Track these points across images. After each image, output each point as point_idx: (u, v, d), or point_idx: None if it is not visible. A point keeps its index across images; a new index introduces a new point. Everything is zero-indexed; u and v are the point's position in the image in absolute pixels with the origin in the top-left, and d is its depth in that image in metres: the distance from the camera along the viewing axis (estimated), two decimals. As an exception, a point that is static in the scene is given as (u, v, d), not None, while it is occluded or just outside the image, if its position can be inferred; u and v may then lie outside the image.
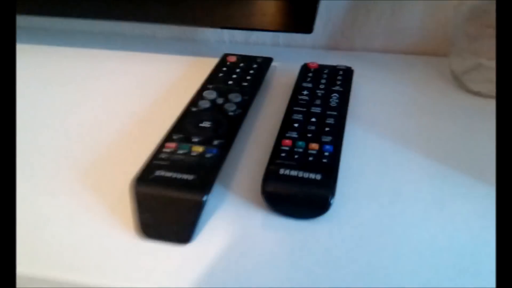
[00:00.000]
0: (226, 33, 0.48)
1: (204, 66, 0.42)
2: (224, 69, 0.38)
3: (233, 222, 0.26)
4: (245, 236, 0.25)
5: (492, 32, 0.34)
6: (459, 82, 0.39)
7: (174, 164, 0.26)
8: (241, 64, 0.38)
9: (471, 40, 0.37)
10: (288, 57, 0.44)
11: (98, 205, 0.27)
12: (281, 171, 0.27)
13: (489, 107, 0.37)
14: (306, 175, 0.26)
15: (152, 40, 0.50)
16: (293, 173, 0.26)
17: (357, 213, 0.27)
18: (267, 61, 0.39)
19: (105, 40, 0.49)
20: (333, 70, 0.37)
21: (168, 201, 0.25)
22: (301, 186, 0.26)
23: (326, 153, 0.28)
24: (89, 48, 0.47)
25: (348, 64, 0.39)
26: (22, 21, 0.51)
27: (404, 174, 0.30)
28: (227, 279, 0.23)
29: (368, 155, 0.31)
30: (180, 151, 0.27)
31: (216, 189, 0.28)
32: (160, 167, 0.26)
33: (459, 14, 0.38)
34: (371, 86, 0.40)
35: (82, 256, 0.24)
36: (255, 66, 0.38)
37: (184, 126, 0.30)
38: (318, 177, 0.26)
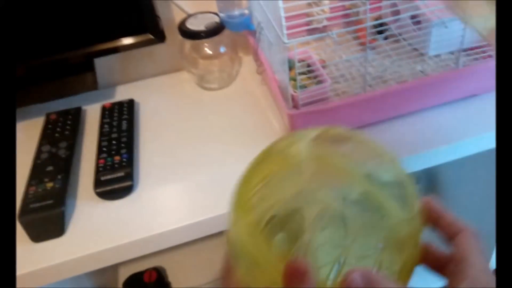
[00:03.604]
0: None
1: (35, 125, 0.59)
2: (50, 126, 0.56)
3: (82, 214, 0.48)
4: (89, 218, 0.47)
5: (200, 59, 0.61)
6: (200, 85, 0.66)
7: (38, 198, 0.46)
8: (61, 118, 0.58)
9: (195, 61, 0.63)
10: (90, 100, 0.64)
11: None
12: (102, 178, 0.49)
13: (219, 95, 0.64)
14: (116, 175, 0.49)
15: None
16: (109, 176, 0.49)
17: (151, 191, 0.50)
18: (78, 110, 0.59)
19: None
20: (121, 104, 0.59)
21: (43, 218, 0.45)
22: (115, 182, 0.48)
23: (125, 160, 0.51)
24: None
25: (131, 94, 0.61)
26: None
27: (182, 154, 0.55)
28: (85, 244, 0.45)
29: (158, 151, 0.55)
30: (39, 189, 0.47)
31: (70, 200, 0.49)
32: (31, 202, 0.45)
33: (184, 50, 0.63)
34: (149, 105, 0.63)
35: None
36: (70, 116, 0.58)
37: (36, 174, 0.49)
38: (122, 174, 0.49)
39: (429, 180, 0.90)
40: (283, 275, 0.24)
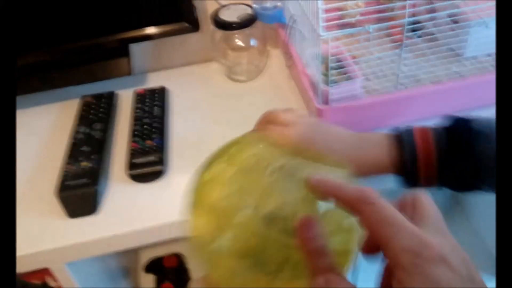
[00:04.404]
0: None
1: (70, 106, 0.61)
2: (85, 107, 0.58)
3: (114, 194, 0.49)
4: (120, 199, 0.49)
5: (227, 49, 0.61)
6: (228, 76, 0.67)
7: (74, 176, 0.48)
8: (95, 101, 0.59)
9: (225, 52, 0.64)
10: (123, 85, 0.66)
11: (43, 204, 0.48)
12: (135, 160, 0.50)
13: (247, 87, 0.65)
14: (148, 159, 0.50)
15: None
16: (141, 160, 0.50)
17: (180, 177, 0.51)
18: (111, 94, 0.61)
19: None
20: (153, 91, 0.61)
21: (79, 195, 0.47)
22: (147, 166, 0.50)
23: (156, 145, 0.52)
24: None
25: (163, 81, 0.63)
26: None
27: (211, 143, 0.56)
28: (115, 224, 0.47)
29: (188, 138, 0.56)
30: (75, 167, 0.49)
31: (103, 180, 0.51)
32: (67, 179, 0.47)
33: (215, 40, 0.64)
34: (179, 93, 0.64)
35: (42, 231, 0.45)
36: (104, 100, 0.60)
37: (73, 153, 0.51)
38: (154, 158, 0.50)
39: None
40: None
